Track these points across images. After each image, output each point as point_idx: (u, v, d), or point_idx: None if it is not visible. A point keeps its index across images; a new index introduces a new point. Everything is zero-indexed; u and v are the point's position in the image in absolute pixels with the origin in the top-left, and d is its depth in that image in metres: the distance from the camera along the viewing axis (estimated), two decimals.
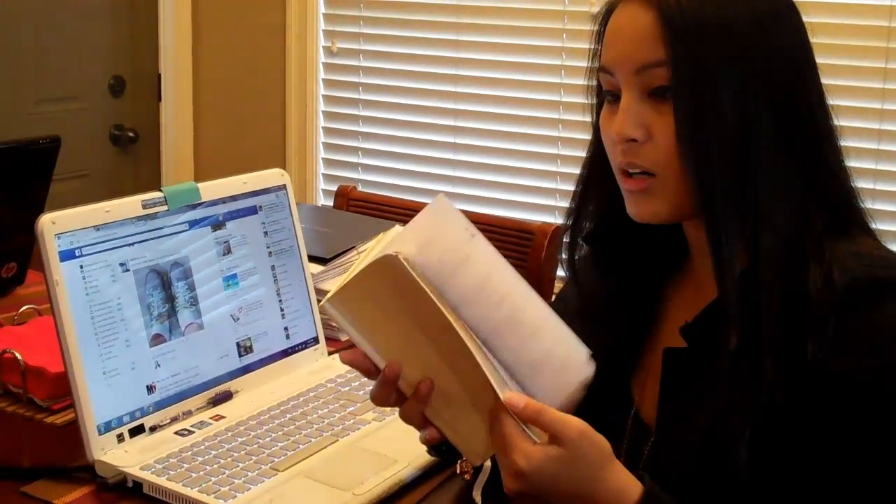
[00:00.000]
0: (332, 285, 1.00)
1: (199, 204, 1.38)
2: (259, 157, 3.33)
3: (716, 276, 1.00)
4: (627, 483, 0.95)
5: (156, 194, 1.33)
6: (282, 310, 1.47)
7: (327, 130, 3.37)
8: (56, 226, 1.21)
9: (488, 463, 1.05)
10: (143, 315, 1.28)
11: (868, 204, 1.07)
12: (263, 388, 1.41)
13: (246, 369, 1.41)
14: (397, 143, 3.23)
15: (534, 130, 2.99)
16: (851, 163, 1.06)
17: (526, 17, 2.97)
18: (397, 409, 1.04)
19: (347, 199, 2.49)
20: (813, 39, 1.05)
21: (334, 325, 1.40)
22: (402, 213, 2.25)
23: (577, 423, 0.94)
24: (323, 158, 3.39)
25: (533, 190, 3.02)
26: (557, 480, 0.93)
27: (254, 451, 1.25)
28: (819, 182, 1.02)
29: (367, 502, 1.17)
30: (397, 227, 1.02)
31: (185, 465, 1.21)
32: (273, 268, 1.46)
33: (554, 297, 1.32)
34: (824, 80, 1.05)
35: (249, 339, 1.42)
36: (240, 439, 1.27)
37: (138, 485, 1.19)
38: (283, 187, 1.50)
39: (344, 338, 1.59)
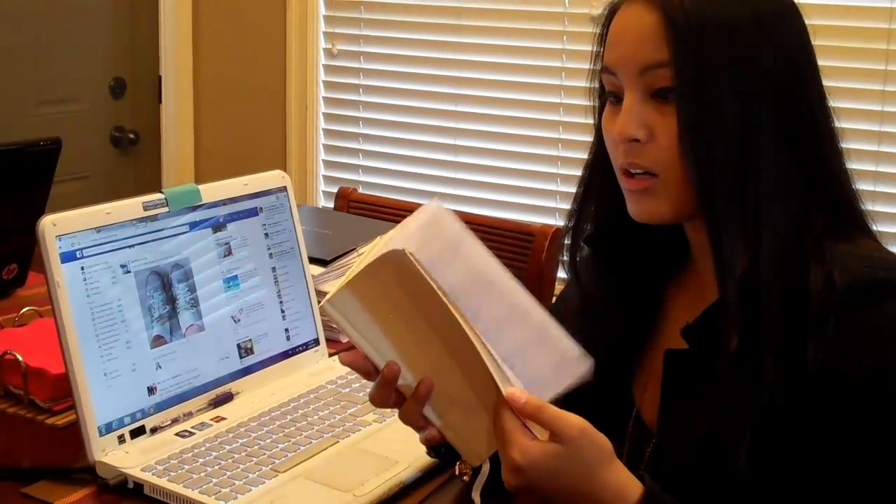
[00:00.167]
0: (333, 287, 1.00)
1: (200, 206, 1.38)
2: (259, 159, 3.33)
3: (716, 276, 1.00)
4: (628, 483, 0.95)
5: (157, 196, 1.33)
6: (282, 311, 1.47)
7: (328, 132, 3.37)
8: (57, 227, 1.21)
9: (487, 464, 1.05)
10: (143, 316, 1.29)
11: (868, 206, 1.07)
12: (264, 390, 1.41)
13: (247, 371, 1.41)
14: (398, 144, 3.23)
15: (534, 132, 2.99)
16: (851, 164, 1.06)
17: (526, 20, 2.97)
18: (397, 410, 1.05)
19: (348, 201, 2.49)
20: (813, 41, 1.05)
21: (334, 326, 1.40)
22: (403, 214, 2.23)
23: (577, 422, 0.94)
24: (323, 160, 3.39)
25: (533, 192, 3.02)
26: (556, 477, 0.94)
27: (254, 453, 1.25)
28: (820, 183, 1.02)
29: (368, 503, 1.17)
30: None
31: (186, 467, 1.21)
32: (274, 269, 1.47)
33: (555, 299, 1.32)
34: (824, 82, 1.05)
35: (250, 340, 1.42)
36: (240, 441, 1.28)
37: (139, 486, 1.19)
38: (284, 189, 1.50)
39: (344, 339, 1.59)
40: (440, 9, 3.10)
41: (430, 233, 0.98)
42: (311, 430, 1.31)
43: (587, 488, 0.94)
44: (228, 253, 1.41)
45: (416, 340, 0.99)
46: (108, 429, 1.23)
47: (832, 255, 0.98)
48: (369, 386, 1.04)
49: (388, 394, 1.02)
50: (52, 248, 1.20)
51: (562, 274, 1.22)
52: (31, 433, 1.35)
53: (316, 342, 1.52)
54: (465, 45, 3.07)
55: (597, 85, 1.10)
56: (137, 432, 1.26)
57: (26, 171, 1.75)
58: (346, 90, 3.32)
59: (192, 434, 1.29)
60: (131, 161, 3.44)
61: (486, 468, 1.05)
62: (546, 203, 3.00)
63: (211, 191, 1.40)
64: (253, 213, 1.45)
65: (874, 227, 1.07)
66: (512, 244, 2.19)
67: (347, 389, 1.43)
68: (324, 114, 3.36)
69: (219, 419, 1.33)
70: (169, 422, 1.30)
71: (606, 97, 1.07)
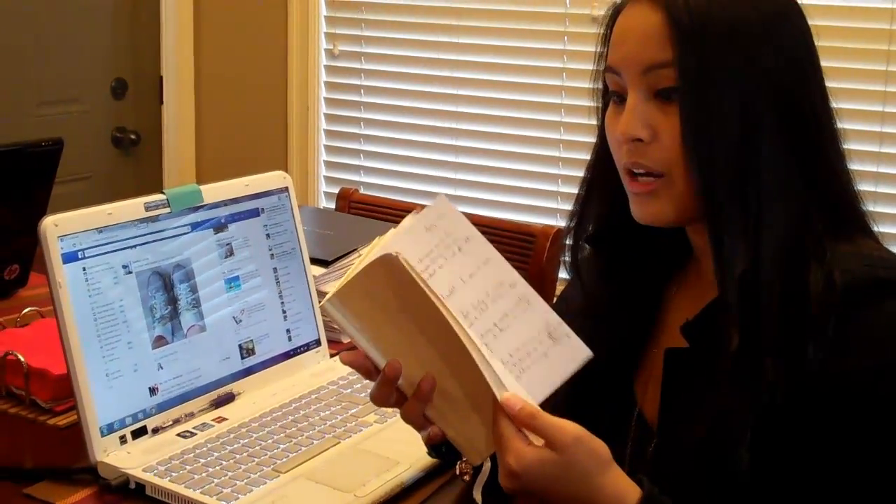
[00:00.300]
0: (333, 287, 1.00)
1: (202, 206, 1.38)
2: (261, 160, 3.34)
3: (716, 276, 1.00)
4: (625, 488, 0.95)
5: (158, 197, 1.33)
6: (284, 312, 1.47)
7: (329, 133, 3.37)
8: (59, 228, 1.21)
9: (488, 463, 1.05)
10: (145, 317, 1.29)
11: (869, 207, 1.07)
12: (265, 390, 1.41)
13: (248, 371, 1.41)
14: (399, 145, 3.23)
15: (535, 133, 2.99)
16: (853, 165, 1.06)
17: (527, 20, 2.97)
18: (398, 410, 1.05)
19: (349, 202, 2.49)
20: (816, 42, 1.05)
21: (335, 326, 1.40)
22: (404, 215, 2.24)
23: (571, 429, 0.94)
24: (324, 161, 3.39)
25: (535, 192, 3.02)
26: (552, 483, 0.94)
27: (256, 453, 1.25)
28: (821, 184, 1.02)
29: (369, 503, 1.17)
30: (406, 220, 1.02)
31: (188, 467, 1.21)
32: (275, 270, 1.47)
33: (556, 299, 1.32)
34: (826, 83, 1.05)
35: (251, 341, 1.42)
36: (242, 441, 1.28)
37: (141, 486, 1.19)
38: (286, 190, 1.50)
39: (346, 340, 1.59)
40: (441, 10, 3.10)
41: (431, 228, 0.98)
42: (312, 431, 1.31)
43: (584, 494, 0.94)
44: (230, 253, 1.41)
45: (414, 342, 1.00)
46: (109, 429, 1.23)
47: (832, 254, 0.98)
48: (370, 386, 1.04)
49: (389, 393, 1.03)
50: (54, 248, 1.20)
51: (563, 274, 1.22)
52: (33, 434, 1.35)
53: (317, 343, 1.52)
54: (467, 45, 3.07)
55: (600, 85, 1.10)
56: (139, 433, 1.26)
57: (28, 172, 1.75)
58: (347, 91, 3.32)
59: (193, 434, 1.29)
60: (132, 161, 3.44)
61: (486, 467, 1.05)
62: (547, 204, 3.00)
63: (212, 191, 1.40)
64: (254, 213, 1.45)
65: (875, 228, 1.07)
66: (513, 245, 2.19)
67: (349, 390, 1.43)
68: (325, 114, 3.37)
69: (220, 420, 1.33)
70: (170, 422, 1.30)
71: (610, 97, 1.07)
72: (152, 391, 1.29)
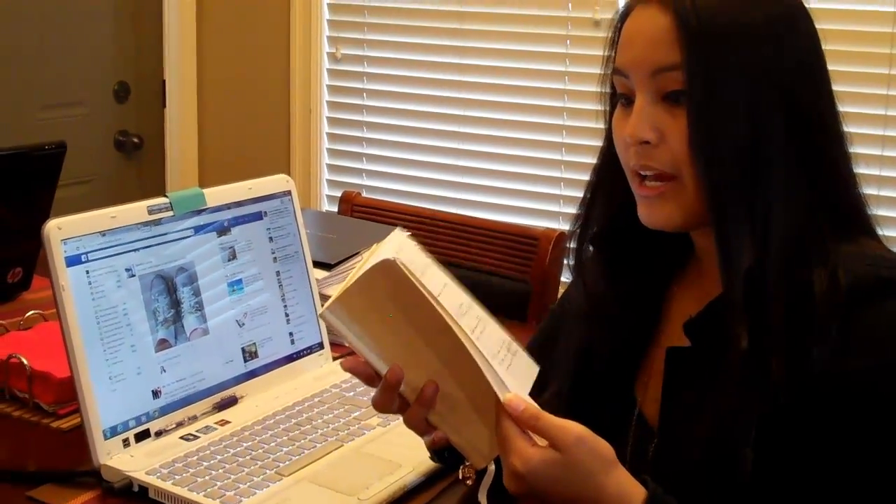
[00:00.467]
0: (332, 293, 1.00)
1: (205, 210, 1.38)
2: (263, 163, 3.34)
3: (722, 277, 1.00)
4: (629, 488, 0.95)
5: (161, 200, 1.33)
6: (287, 315, 1.47)
7: (331, 136, 3.38)
8: (62, 231, 1.22)
9: (493, 466, 1.06)
10: (148, 320, 1.29)
11: (872, 210, 1.07)
12: (268, 394, 1.42)
13: (251, 374, 1.41)
14: (401, 148, 3.24)
15: (538, 136, 2.99)
16: (856, 168, 1.06)
17: (529, 24, 2.97)
18: (400, 415, 1.05)
19: (352, 205, 2.49)
20: (823, 45, 1.05)
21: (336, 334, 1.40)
22: (406, 218, 2.26)
23: (575, 430, 0.94)
24: (327, 164, 3.39)
25: (537, 196, 3.02)
26: (556, 484, 0.94)
27: (259, 456, 1.25)
28: (827, 186, 1.02)
29: None
30: (397, 231, 1.02)
31: (191, 470, 1.21)
32: (278, 273, 1.47)
33: (557, 302, 1.32)
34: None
35: (254, 344, 1.42)
36: (245, 444, 1.28)
37: (144, 489, 1.19)
38: (288, 193, 1.50)
39: (348, 345, 1.59)
40: (443, 13, 3.10)
41: (409, 252, 0.99)
42: (315, 434, 1.31)
43: (588, 494, 0.94)
44: (233, 257, 1.41)
45: (414, 347, 1.00)
46: (112, 432, 1.24)
47: (836, 255, 0.98)
48: (373, 390, 1.04)
49: (391, 399, 1.03)
50: (58, 251, 1.21)
51: (565, 278, 1.22)
52: (36, 437, 1.35)
53: (320, 346, 1.52)
54: (469, 49, 3.08)
55: (608, 89, 1.10)
56: (142, 436, 1.27)
57: (31, 175, 1.76)
58: (349, 94, 3.32)
59: (196, 438, 1.29)
60: (135, 165, 3.44)
61: (491, 469, 1.05)
62: (549, 207, 3.00)
63: (215, 195, 1.40)
64: (257, 217, 1.45)
65: (879, 231, 1.07)
66: (515, 248, 2.19)
67: (352, 393, 1.43)
68: (327, 118, 3.37)
69: (223, 423, 1.33)
70: (173, 425, 1.30)
71: (617, 100, 1.07)
72: (155, 394, 1.29)
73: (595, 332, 1.11)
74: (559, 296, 1.35)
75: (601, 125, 1.13)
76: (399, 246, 0.99)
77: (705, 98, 0.98)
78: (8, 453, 1.33)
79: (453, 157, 3.14)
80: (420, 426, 1.04)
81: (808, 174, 1.01)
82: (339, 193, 2.62)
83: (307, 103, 3.34)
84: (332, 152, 3.38)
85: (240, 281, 1.42)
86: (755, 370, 0.97)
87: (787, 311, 0.97)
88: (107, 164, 3.36)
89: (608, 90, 1.10)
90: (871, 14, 2.53)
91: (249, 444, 1.28)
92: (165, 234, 1.33)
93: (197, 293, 1.35)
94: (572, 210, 1.19)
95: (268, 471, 1.22)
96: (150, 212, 1.32)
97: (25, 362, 1.39)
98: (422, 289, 0.96)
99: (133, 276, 1.28)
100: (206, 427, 1.32)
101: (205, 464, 1.23)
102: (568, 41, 2.92)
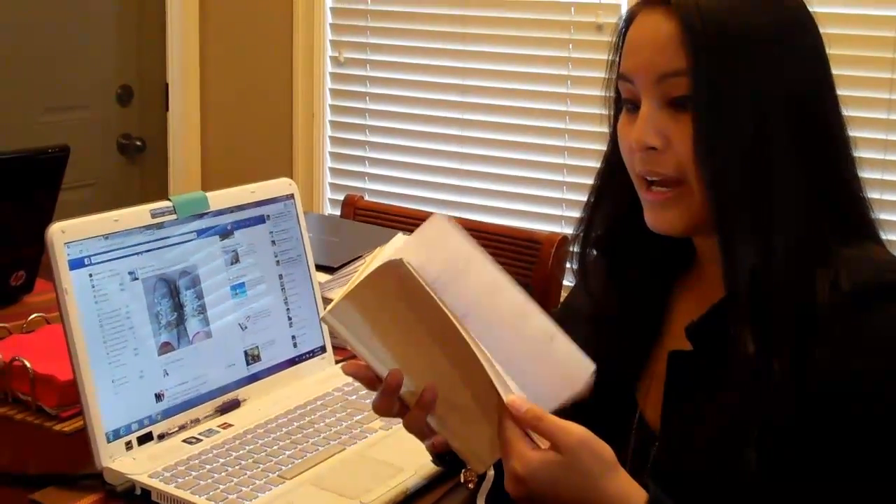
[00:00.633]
0: (334, 297, 1.00)
1: (207, 213, 1.38)
2: (266, 167, 3.34)
3: (725, 281, 1.00)
4: (630, 491, 0.95)
5: (164, 203, 1.33)
6: (289, 318, 1.47)
7: (334, 140, 3.38)
8: (66, 235, 1.22)
9: (492, 471, 1.06)
10: (151, 323, 1.29)
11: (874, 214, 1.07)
12: (271, 397, 1.42)
13: (253, 378, 1.41)
14: (404, 152, 3.24)
15: (540, 140, 3.00)
16: (858, 172, 1.06)
17: (532, 28, 2.97)
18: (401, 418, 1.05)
19: (354, 209, 2.49)
20: (827, 50, 1.05)
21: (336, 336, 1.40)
22: (409, 222, 2.26)
23: (577, 432, 0.94)
24: (330, 168, 3.40)
25: (540, 199, 3.02)
26: (557, 487, 0.94)
27: (261, 460, 1.25)
28: (831, 191, 1.02)
29: None
30: (399, 236, 1.02)
31: (193, 473, 1.21)
32: (281, 277, 1.47)
33: (560, 305, 1.32)
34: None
35: (257, 347, 1.43)
36: (247, 447, 1.28)
37: (146, 492, 1.19)
38: (291, 196, 1.50)
39: (349, 348, 1.59)
40: (446, 17, 3.11)
41: (433, 247, 0.98)
42: (317, 438, 1.31)
43: (589, 497, 0.94)
44: (235, 260, 1.41)
45: (417, 349, 1.00)
46: (115, 435, 1.24)
47: (839, 259, 0.99)
48: (375, 394, 1.04)
49: (391, 402, 1.03)
50: (61, 255, 1.21)
51: (567, 282, 1.22)
52: (39, 440, 1.35)
53: (322, 349, 1.52)
54: (472, 53, 3.08)
55: (612, 93, 1.10)
56: (145, 439, 1.27)
57: (34, 178, 1.76)
58: (352, 98, 3.32)
59: (199, 441, 1.29)
60: (138, 168, 3.45)
61: (490, 475, 1.05)
62: (552, 211, 3.00)
63: (218, 198, 1.40)
64: (260, 220, 1.46)
65: (883, 236, 1.07)
66: (518, 252, 2.19)
67: (354, 397, 1.43)
68: (330, 121, 3.37)
69: (226, 426, 1.33)
70: (176, 428, 1.30)
71: (622, 105, 1.07)
72: (158, 397, 1.29)
73: (598, 335, 1.11)
74: (562, 299, 1.35)
75: (604, 129, 1.13)
76: (411, 242, 0.98)
77: (711, 103, 0.98)
78: (10, 456, 1.33)
79: (456, 160, 3.14)
80: (420, 430, 1.04)
81: (812, 178, 1.01)
82: (341, 197, 2.62)
83: (310, 107, 3.34)
84: (335, 156, 3.38)
85: (242, 284, 1.42)
86: (758, 374, 0.97)
87: (791, 314, 0.97)
88: (110, 167, 3.36)
89: (612, 94, 1.11)
90: (874, 18, 2.53)
91: (252, 447, 1.28)
92: (168, 237, 1.33)
93: (200, 296, 1.35)
94: (575, 214, 1.19)
95: (270, 474, 1.22)
96: (153, 215, 1.32)
97: (28, 365, 1.39)
98: (428, 289, 0.96)
99: (136, 279, 1.28)
100: (208, 430, 1.32)
101: (207, 467, 1.23)
102: (571, 45, 2.92)
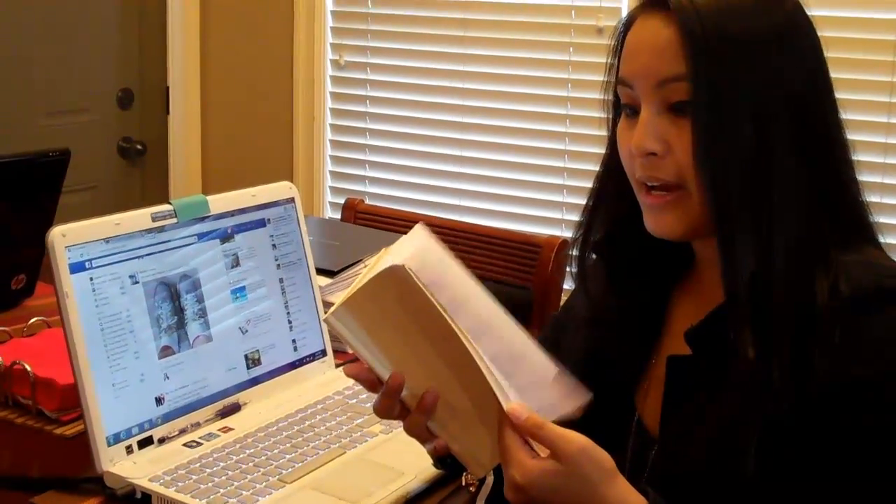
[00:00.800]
0: (337, 299, 1.00)
1: (208, 217, 1.38)
2: (267, 170, 3.34)
3: (725, 286, 1.00)
4: (630, 499, 0.95)
5: (165, 207, 1.34)
6: (290, 322, 1.48)
7: (335, 143, 3.38)
8: (66, 238, 1.22)
9: (491, 476, 1.06)
10: (151, 327, 1.29)
11: (875, 218, 1.07)
12: (271, 401, 1.42)
13: (254, 381, 1.42)
14: (404, 156, 3.24)
15: (540, 144, 3.00)
16: (860, 176, 1.06)
17: (532, 31, 2.98)
18: (401, 421, 1.05)
19: (355, 212, 2.49)
20: (826, 54, 1.05)
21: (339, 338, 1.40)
22: (410, 225, 2.25)
23: (577, 440, 0.94)
24: (330, 171, 3.40)
25: (540, 203, 3.02)
26: (556, 495, 0.94)
27: (262, 463, 1.25)
28: (831, 195, 1.02)
29: None
30: (401, 239, 1.02)
31: (194, 477, 1.21)
32: (281, 280, 1.47)
33: (560, 309, 1.32)
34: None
35: (257, 351, 1.43)
36: (248, 451, 1.28)
37: (147, 496, 1.19)
38: (292, 200, 1.50)
39: (351, 350, 1.59)
40: (447, 21, 3.11)
41: (425, 254, 0.99)
42: (318, 441, 1.31)
43: None
44: (236, 264, 1.41)
45: (418, 353, 1.00)
46: (116, 439, 1.24)
47: (839, 263, 0.99)
48: (375, 397, 1.04)
49: (392, 405, 1.03)
50: (62, 258, 1.21)
51: (567, 285, 1.22)
52: (40, 443, 1.35)
53: (323, 353, 1.52)
54: (472, 56, 3.08)
55: (610, 97, 1.10)
56: (145, 443, 1.27)
57: (35, 182, 1.76)
58: (353, 101, 3.33)
59: (199, 444, 1.29)
60: (139, 172, 3.45)
61: (489, 479, 1.05)
62: (552, 214, 3.01)
63: (219, 202, 1.40)
64: (260, 224, 1.46)
65: (882, 239, 1.07)
66: (518, 256, 2.19)
67: (354, 400, 1.43)
68: (331, 125, 3.37)
69: (226, 430, 1.33)
70: (176, 432, 1.30)
71: (621, 109, 1.07)
72: (158, 401, 1.29)
73: (597, 339, 1.11)
74: (562, 303, 1.35)
75: (604, 132, 1.13)
76: (409, 251, 0.98)
77: (711, 108, 0.98)
78: (11, 460, 1.33)
79: (456, 164, 3.15)
80: (420, 433, 1.04)
81: (812, 182, 1.01)
82: (342, 200, 2.63)
83: (310, 110, 3.34)
84: (336, 159, 3.39)
85: (243, 288, 1.42)
86: (757, 378, 0.97)
87: (790, 318, 0.97)
88: (110, 170, 3.36)
89: (610, 98, 1.10)
90: (875, 22, 2.54)
91: (252, 451, 1.28)
92: (169, 241, 1.33)
93: (200, 300, 1.36)
94: (575, 217, 1.19)
95: (270, 478, 1.22)
96: (154, 219, 1.32)
97: (29, 369, 1.39)
98: (429, 295, 0.96)
99: (137, 282, 1.28)
100: (208, 434, 1.32)
101: (208, 471, 1.23)
102: (571, 49, 2.92)
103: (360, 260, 1.81)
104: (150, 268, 1.30)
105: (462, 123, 3.12)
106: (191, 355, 1.33)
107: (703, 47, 0.98)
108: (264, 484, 1.21)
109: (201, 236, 1.37)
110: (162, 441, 1.28)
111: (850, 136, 1.05)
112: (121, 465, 1.23)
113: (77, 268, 1.22)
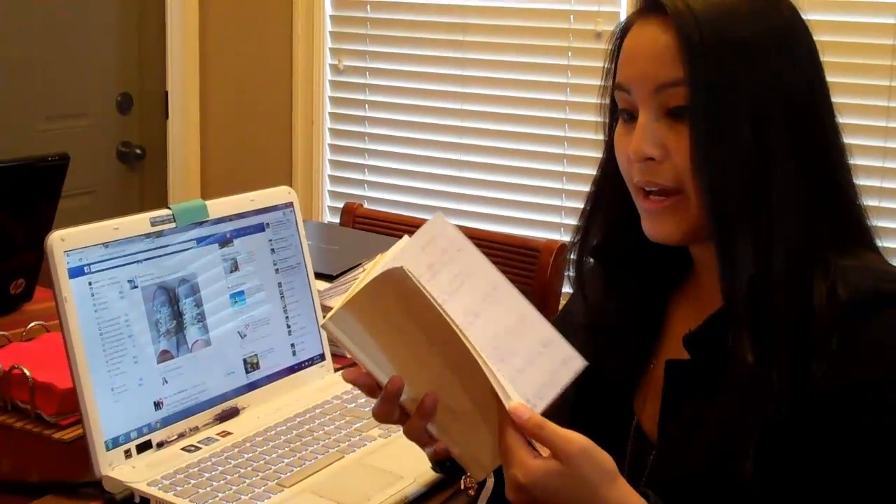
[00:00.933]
0: (335, 304, 1.00)
1: (207, 221, 1.38)
2: (266, 175, 3.35)
3: (723, 291, 1.00)
4: (631, 501, 0.95)
5: (164, 211, 1.34)
6: (288, 326, 1.48)
7: (333, 148, 3.38)
8: (65, 243, 1.22)
9: (491, 478, 1.06)
10: (150, 331, 1.29)
11: (873, 221, 1.07)
12: (270, 405, 1.42)
13: (252, 386, 1.42)
14: (403, 160, 3.24)
15: (539, 148, 3.00)
16: (857, 181, 1.06)
17: (531, 36, 2.98)
18: (401, 425, 1.05)
19: (353, 216, 2.50)
20: (822, 58, 1.06)
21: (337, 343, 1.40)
22: (408, 229, 2.25)
23: (578, 440, 0.94)
24: (329, 175, 3.40)
25: (538, 207, 3.03)
26: (557, 495, 0.94)
27: (260, 468, 1.25)
28: (828, 199, 1.03)
29: None
30: (405, 239, 1.03)
31: (192, 481, 1.21)
32: (280, 285, 1.47)
33: (558, 314, 1.32)
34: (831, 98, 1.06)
35: (256, 355, 1.43)
36: (246, 455, 1.28)
37: (145, 500, 1.19)
38: (290, 205, 1.50)
39: (350, 355, 1.59)
40: (446, 25, 3.11)
41: (429, 243, 0.99)
42: (316, 445, 1.31)
43: None
44: (235, 268, 1.41)
45: (418, 356, 1.00)
46: (114, 443, 1.24)
47: (836, 268, 0.99)
48: (374, 401, 1.04)
49: (391, 409, 1.03)
50: (61, 263, 1.21)
51: (566, 289, 1.22)
52: (38, 448, 1.35)
53: (322, 357, 1.52)
54: (471, 60, 3.09)
55: (608, 101, 1.10)
56: (144, 447, 1.27)
57: (34, 187, 1.76)
58: (351, 106, 3.33)
59: (198, 449, 1.29)
60: (138, 176, 3.45)
61: (490, 482, 1.05)
62: (551, 218, 3.01)
63: (218, 206, 1.40)
64: (259, 228, 1.46)
65: (880, 244, 1.07)
66: (517, 259, 2.19)
67: (353, 404, 1.43)
68: (329, 129, 3.38)
69: (225, 434, 1.33)
70: (175, 436, 1.30)
71: (619, 114, 1.07)
72: (157, 405, 1.29)
73: (595, 343, 1.12)
74: (561, 307, 1.35)
75: (602, 137, 1.13)
76: (409, 249, 0.99)
77: (709, 113, 0.98)
78: (10, 464, 1.33)
79: (455, 168, 3.15)
80: (420, 437, 1.04)
81: (810, 187, 1.01)
82: (341, 205, 2.63)
83: (309, 115, 3.34)
84: (335, 163, 3.39)
85: (241, 292, 1.42)
86: (756, 383, 0.97)
87: (789, 323, 0.97)
88: (109, 175, 3.36)
89: (608, 102, 1.11)
90: (872, 26, 2.54)
91: (251, 455, 1.28)
92: (168, 245, 1.33)
93: (199, 304, 1.36)
94: (574, 221, 1.19)
95: (269, 482, 1.22)
96: (153, 223, 1.32)
97: (27, 373, 1.39)
98: (429, 297, 0.96)
99: (135, 287, 1.28)
100: (207, 438, 1.32)
101: (206, 475, 1.23)
102: (569, 53, 2.93)
103: (359, 264, 1.82)
104: (149, 272, 1.30)
105: (461, 127, 3.12)
106: (189, 359, 1.34)
107: (700, 52, 0.98)
108: (263, 488, 1.21)
109: (200, 241, 1.37)
110: (160, 445, 1.29)
111: (848, 140, 1.06)
112: (119, 469, 1.23)
113: (76, 272, 1.22)
